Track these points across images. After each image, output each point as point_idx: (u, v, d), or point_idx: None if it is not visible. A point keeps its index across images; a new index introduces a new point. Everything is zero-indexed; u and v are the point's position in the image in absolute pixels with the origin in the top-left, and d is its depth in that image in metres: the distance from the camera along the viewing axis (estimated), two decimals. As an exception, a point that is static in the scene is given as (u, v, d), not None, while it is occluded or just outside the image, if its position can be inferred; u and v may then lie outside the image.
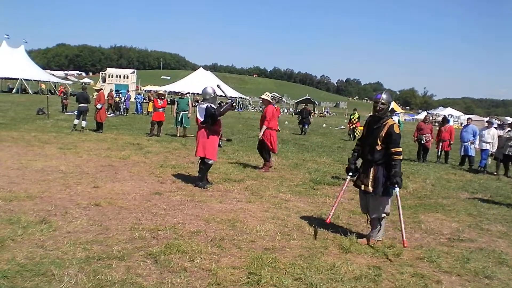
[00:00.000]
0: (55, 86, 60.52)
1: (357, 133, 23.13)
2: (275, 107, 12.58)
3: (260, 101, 12.52)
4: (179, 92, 22.85)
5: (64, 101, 28.40)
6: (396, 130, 5.73)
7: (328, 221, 6.09)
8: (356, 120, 23.91)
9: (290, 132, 24.45)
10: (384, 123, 5.78)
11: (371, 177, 5.80)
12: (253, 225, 6.24)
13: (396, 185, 5.68)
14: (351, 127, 24.26)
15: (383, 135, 5.72)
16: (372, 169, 5.82)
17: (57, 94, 46.21)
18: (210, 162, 8.71)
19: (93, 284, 3.99)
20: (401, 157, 5.77)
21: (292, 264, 4.88)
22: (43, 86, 57.78)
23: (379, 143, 5.74)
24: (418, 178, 11.90)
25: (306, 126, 25.36)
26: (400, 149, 5.73)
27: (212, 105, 8.65)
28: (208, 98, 8.79)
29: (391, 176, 5.67)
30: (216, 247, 5.27)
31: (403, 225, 5.76)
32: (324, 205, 7.94)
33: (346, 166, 6.29)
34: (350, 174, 6.14)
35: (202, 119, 8.55)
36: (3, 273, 4.03)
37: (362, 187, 5.90)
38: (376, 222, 5.93)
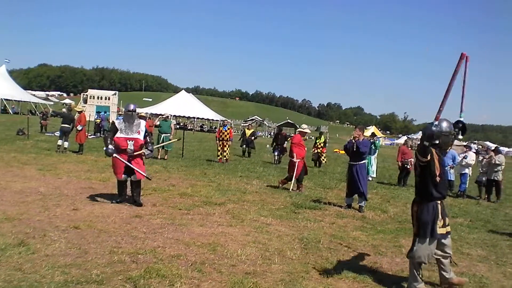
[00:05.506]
0: (35, 106, 59.77)
1: (323, 160, 21.62)
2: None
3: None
4: (161, 114, 22.74)
5: (42, 121, 28.15)
6: None
7: None
8: (322, 144, 21.40)
9: (268, 159, 23.88)
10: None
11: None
12: (234, 249, 6.20)
13: None
14: (315, 151, 21.38)
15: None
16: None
17: (37, 115, 45.61)
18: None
19: (70, 309, 3.91)
20: None
21: (273, 288, 4.85)
22: None
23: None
24: (399, 202, 12.01)
25: (281, 155, 21.13)
26: None
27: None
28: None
29: None
30: (196, 271, 5.22)
31: None
32: (305, 229, 7.94)
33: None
34: None
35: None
36: (-23, 298, 3.93)
37: (447, 228, 5.30)
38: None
